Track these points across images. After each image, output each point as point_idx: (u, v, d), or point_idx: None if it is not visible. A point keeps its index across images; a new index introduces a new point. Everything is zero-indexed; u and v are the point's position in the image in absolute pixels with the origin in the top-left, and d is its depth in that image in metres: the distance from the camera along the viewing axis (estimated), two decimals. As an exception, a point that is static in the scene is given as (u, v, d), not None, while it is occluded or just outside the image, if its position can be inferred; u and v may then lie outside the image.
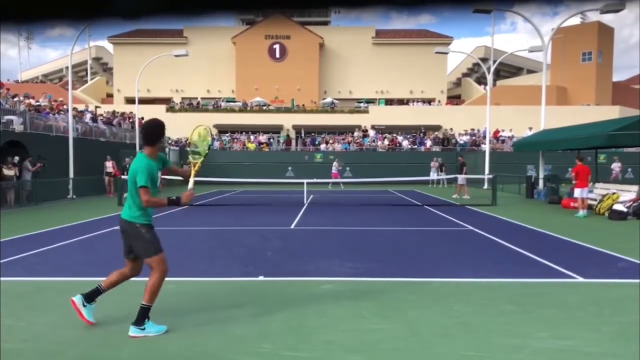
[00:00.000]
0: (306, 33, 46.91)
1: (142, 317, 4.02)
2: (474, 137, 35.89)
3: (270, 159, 32.60)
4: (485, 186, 23.91)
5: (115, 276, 4.32)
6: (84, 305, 4.20)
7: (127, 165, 19.49)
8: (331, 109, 42.45)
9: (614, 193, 13.46)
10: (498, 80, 54.97)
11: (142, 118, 31.63)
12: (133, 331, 3.99)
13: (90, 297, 4.24)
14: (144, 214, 4.14)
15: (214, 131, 39.23)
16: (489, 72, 27.16)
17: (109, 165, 20.83)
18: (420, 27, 70.09)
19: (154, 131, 4.21)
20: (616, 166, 27.24)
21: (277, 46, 46.85)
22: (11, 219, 12.53)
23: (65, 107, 21.77)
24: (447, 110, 43.28)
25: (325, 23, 54.71)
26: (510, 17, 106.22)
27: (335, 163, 27.42)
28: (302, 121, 40.14)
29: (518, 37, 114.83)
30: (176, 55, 25.38)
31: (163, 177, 19.93)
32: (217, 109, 41.79)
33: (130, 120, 29.27)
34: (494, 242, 8.87)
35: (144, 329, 4.01)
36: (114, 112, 29.37)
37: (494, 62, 29.86)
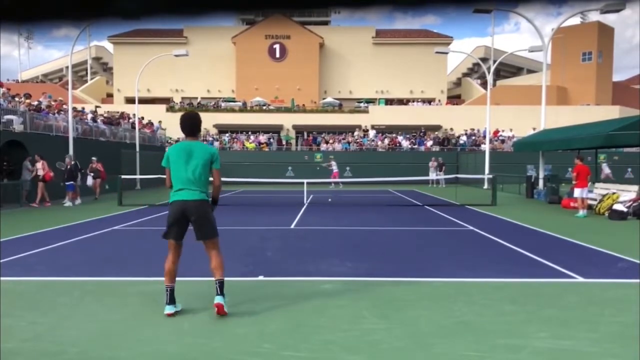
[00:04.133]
0: (306, 33, 46.91)
1: (223, 289, 4.56)
2: (473, 137, 35.91)
3: (270, 159, 32.60)
4: (485, 186, 23.92)
5: (174, 267, 4.61)
6: (176, 307, 4.60)
7: (68, 166, 16.38)
8: (339, 108, 42.32)
9: (614, 193, 13.46)
10: (498, 80, 54.97)
11: (142, 118, 31.67)
12: (221, 300, 4.49)
13: (172, 299, 4.57)
14: (208, 195, 4.66)
15: (214, 131, 39.30)
16: (489, 72, 27.18)
17: (39, 167, 15.86)
18: (422, 27, 70.10)
19: (197, 122, 4.74)
20: (605, 167, 27.69)
21: (277, 46, 46.85)
22: (11, 219, 12.53)
23: (65, 106, 21.76)
24: (447, 110, 43.28)
25: (325, 23, 54.71)
26: (514, 18, 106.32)
27: (333, 162, 27.51)
28: (302, 121, 40.14)
29: (522, 37, 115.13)
30: (176, 55, 25.39)
31: None
32: (217, 109, 41.80)
33: (131, 120, 29.25)
34: (494, 242, 8.87)
35: (225, 299, 4.54)
36: (120, 117, 29.30)
37: (494, 62, 29.87)
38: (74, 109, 21.51)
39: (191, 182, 4.51)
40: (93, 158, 18.86)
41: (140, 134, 27.46)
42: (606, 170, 27.38)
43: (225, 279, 6.08)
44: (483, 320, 4.43)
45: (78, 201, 16.81)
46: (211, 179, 4.72)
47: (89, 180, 18.15)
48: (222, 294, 4.51)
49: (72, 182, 16.43)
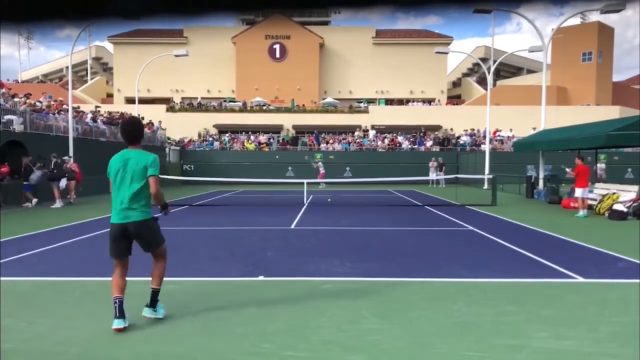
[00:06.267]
0: (306, 33, 46.91)
1: (156, 300, 4.40)
2: (474, 137, 35.91)
3: (270, 159, 32.61)
4: (485, 186, 23.92)
5: (122, 280, 4.32)
6: (125, 321, 4.20)
7: (23, 168, 15.60)
8: (349, 109, 42.15)
9: (614, 193, 13.46)
10: (498, 80, 54.97)
11: (142, 118, 31.64)
12: (148, 312, 4.35)
13: (122, 313, 4.18)
14: (150, 207, 4.30)
15: (214, 131, 39.30)
16: (489, 72, 27.17)
17: None
18: (424, 28, 70.05)
19: (138, 128, 4.42)
20: (599, 167, 27.63)
21: (277, 46, 46.85)
22: (11, 219, 12.54)
23: (65, 107, 21.76)
24: (447, 110, 43.28)
25: (325, 23, 54.68)
26: (516, 18, 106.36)
27: (320, 163, 27.71)
28: (302, 121, 40.14)
29: (523, 37, 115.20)
30: (176, 55, 25.40)
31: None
32: (217, 109, 41.83)
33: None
34: (494, 242, 8.87)
35: (156, 310, 4.39)
36: (120, 117, 29.27)
37: (494, 62, 29.87)
38: (74, 109, 21.51)
39: (128, 199, 4.14)
40: (65, 157, 17.12)
41: (141, 134, 27.40)
42: (599, 170, 27.37)
43: (225, 279, 6.12)
44: (483, 320, 4.43)
45: (35, 201, 15.62)
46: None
47: (63, 182, 16.39)
48: (152, 305, 4.36)
49: (26, 183, 15.63)
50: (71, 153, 18.48)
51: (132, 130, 4.33)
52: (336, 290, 5.52)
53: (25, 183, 15.75)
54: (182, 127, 37.64)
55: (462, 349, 3.73)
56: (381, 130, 38.83)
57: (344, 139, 36.40)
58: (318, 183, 25.51)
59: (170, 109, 41.10)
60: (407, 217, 13.10)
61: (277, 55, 46.86)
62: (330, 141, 35.48)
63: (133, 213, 4.16)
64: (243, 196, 21.29)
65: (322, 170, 27.25)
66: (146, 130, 30.39)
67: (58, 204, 15.82)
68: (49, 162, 16.25)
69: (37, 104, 20.47)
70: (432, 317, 4.51)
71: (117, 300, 4.19)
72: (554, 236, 9.54)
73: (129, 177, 4.15)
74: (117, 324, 4.12)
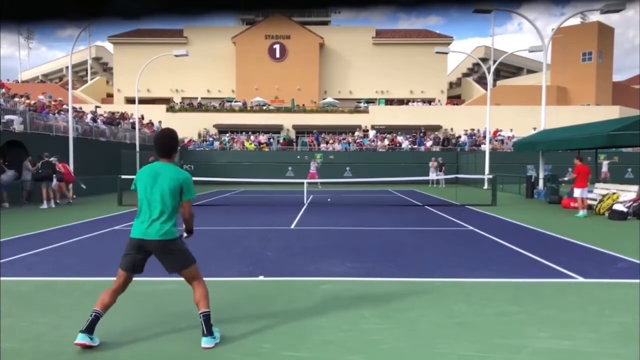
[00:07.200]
0: (306, 33, 46.91)
1: (210, 325, 3.84)
2: (474, 137, 35.90)
3: (270, 159, 32.60)
4: (485, 186, 23.92)
5: (113, 298, 3.92)
6: (91, 339, 3.74)
7: None
8: (354, 108, 42.04)
9: (614, 193, 13.46)
10: (498, 80, 54.95)
11: (142, 117, 31.66)
12: (208, 342, 3.77)
13: (91, 328, 3.74)
14: (175, 226, 3.92)
15: (214, 131, 39.29)
16: (489, 72, 27.17)
17: None
18: (425, 28, 70.04)
19: (172, 141, 4.07)
20: (604, 166, 27.62)
21: (277, 46, 46.85)
22: (11, 219, 12.53)
23: (65, 106, 21.76)
24: (447, 110, 43.27)
25: (325, 23, 54.66)
26: (517, 18, 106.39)
27: (313, 163, 27.62)
28: (302, 121, 40.13)
29: (524, 37, 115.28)
30: (176, 55, 25.38)
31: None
32: (217, 109, 41.84)
33: (131, 120, 29.26)
34: (494, 242, 8.87)
35: (215, 337, 3.84)
36: (120, 117, 29.32)
37: (494, 62, 29.87)
38: (74, 109, 21.51)
39: (157, 216, 3.79)
40: (52, 158, 16.05)
41: (141, 134, 27.46)
42: (604, 169, 27.41)
43: (225, 279, 6.11)
44: (483, 320, 4.43)
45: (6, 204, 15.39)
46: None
47: (54, 182, 15.84)
48: (209, 332, 3.78)
49: None
50: (71, 153, 18.46)
51: (166, 143, 3.99)
52: (336, 290, 5.52)
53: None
54: (182, 127, 37.56)
55: (462, 349, 3.73)
56: (381, 130, 38.83)
57: (344, 139, 36.40)
58: (318, 183, 25.48)
59: (170, 109, 41.11)
60: (407, 217, 13.10)
61: (277, 55, 46.85)
62: (330, 141, 35.48)
63: (159, 232, 3.79)
64: (243, 196, 21.29)
65: (312, 170, 27.16)
66: (146, 130, 30.46)
67: (45, 204, 15.30)
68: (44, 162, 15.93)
69: (40, 98, 20.46)
70: (432, 317, 4.50)
71: (94, 313, 3.73)
72: (554, 236, 9.54)
73: (158, 194, 3.81)
74: (81, 338, 3.63)
